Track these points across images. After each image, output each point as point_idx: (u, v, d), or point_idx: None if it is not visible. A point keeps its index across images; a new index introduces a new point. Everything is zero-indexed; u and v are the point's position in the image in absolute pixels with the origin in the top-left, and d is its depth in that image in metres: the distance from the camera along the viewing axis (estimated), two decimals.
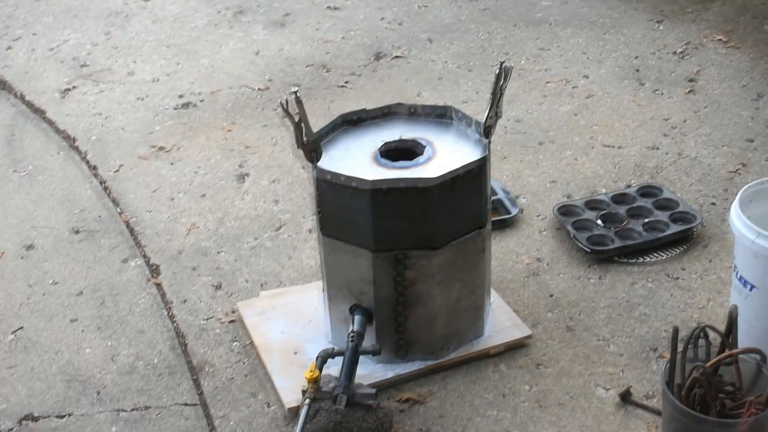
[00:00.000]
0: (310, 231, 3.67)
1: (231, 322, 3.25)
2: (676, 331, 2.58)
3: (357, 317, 2.87)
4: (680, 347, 2.57)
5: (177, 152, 4.28)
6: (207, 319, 3.28)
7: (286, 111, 2.68)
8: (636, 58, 4.97)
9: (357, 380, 2.73)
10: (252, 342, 3.12)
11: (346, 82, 4.86)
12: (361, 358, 2.80)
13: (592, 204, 3.70)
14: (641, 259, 3.45)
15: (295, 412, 2.80)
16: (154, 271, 3.53)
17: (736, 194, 2.97)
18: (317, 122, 2.89)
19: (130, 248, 3.66)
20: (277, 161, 4.16)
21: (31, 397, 2.98)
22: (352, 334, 2.80)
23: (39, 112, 4.70)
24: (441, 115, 3.02)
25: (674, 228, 3.53)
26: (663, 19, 5.37)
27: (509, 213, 3.67)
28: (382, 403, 2.80)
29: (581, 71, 4.85)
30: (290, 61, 5.11)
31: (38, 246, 3.70)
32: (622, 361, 2.99)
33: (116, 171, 4.16)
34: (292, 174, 4.06)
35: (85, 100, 4.78)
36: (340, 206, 2.78)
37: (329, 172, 2.73)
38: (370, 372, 2.93)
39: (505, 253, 3.52)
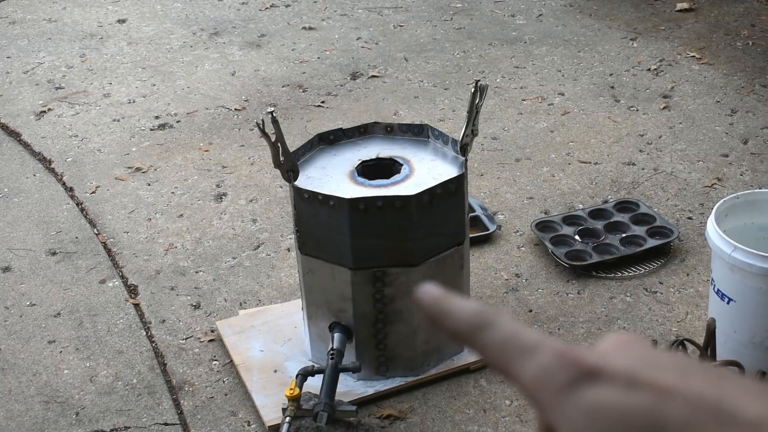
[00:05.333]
0: (288, 250, 3.67)
1: (210, 341, 3.24)
2: (654, 344, 2.59)
3: (336, 335, 2.87)
4: None
5: (154, 173, 4.27)
6: (186, 338, 3.27)
7: (262, 131, 2.68)
8: (611, 75, 5.00)
9: (337, 397, 2.73)
10: (232, 361, 3.11)
11: (323, 102, 4.87)
12: (342, 376, 2.80)
13: (569, 219, 3.72)
14: (619, 274, 3.47)
15: (275, 430, 2.79)
16: (132, 291, 3.52)
17: (712, 208, 2.99)
18: (294, 141, 2.90)
19: (107, 269, 3.65)
20: (254, 181, 4.16)
21: (9, 419, 2.96)
22: (331, 352, 2.80)
23: (14, 135, 4.68)
24: (418, 134, 3.03)
25: (652, 242, 3.54)
26: (637, 37, 5.41)
27: (487, 229, 3.68)
28: (363, 420, 2.80)
29: (557, 88, 4.88)
30: (266, 81, 5.11)
31: (15, 268, 3.68)
32: None
33: (93, 192, 4.14)
34: (270, 193, 4.06)
35: (61, 122, 4.77)
36: (318, 225, 2.78)
37: (307, 191, 2.74)
38: (350, 389, 2.92)
39: (483, 269, 3.52)
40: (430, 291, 0.55)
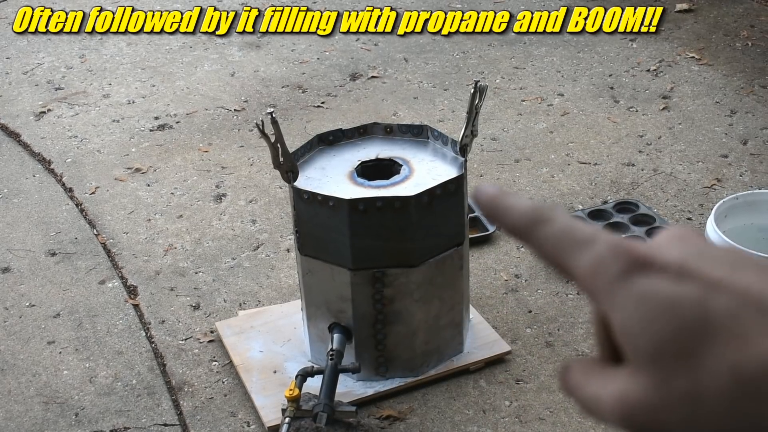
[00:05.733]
0: (288, 250, 3.67)
1: (210, 341, 3.24)
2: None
3: (336, 335, 2.87)
4: None
5: (153, 173, 4.27)
6: (185, 339, 3.27)
7: (262, 132, 2.68)
8: (610, 75, 5.00)
9: (337, 398, 2.73)
10: (231, 361, 3.11)
11: (323, 103, 4.87)
12: (341, 376, 2.80)
13: None
14: None
15: (275, 430, 2.79)
16: (132, 292, 3.52)
17: (712, 209, 2.99)
18: (294, 142, 2.90)
19: (107, 270, 3.65)
20: (253, 181, 4.16)
21: (8, 420, 2.96)
22: (331, 353, 2.80)
23: (13, 135, 4.68)
24: (417, 134, 3.03)
25: None
26: (636, 37, 5.41)
27: (487, 230, 3.68)
28: (363, 421, 2.80)
29: (556, 89, 4.88)
30: (266, 81, 5.12)
31: (14, 268, 3.68)
32: None
33: (92, 193, 4.15)
34: (269, 194, 4.06)
35: (60, 123, 4.77)
36: (317, 225, 2.78)
37: (306, 191, 2.74)
38: (350, 389, 2.92)
39: (483, 269, 3.53)
40: (487, 189, 0.57)
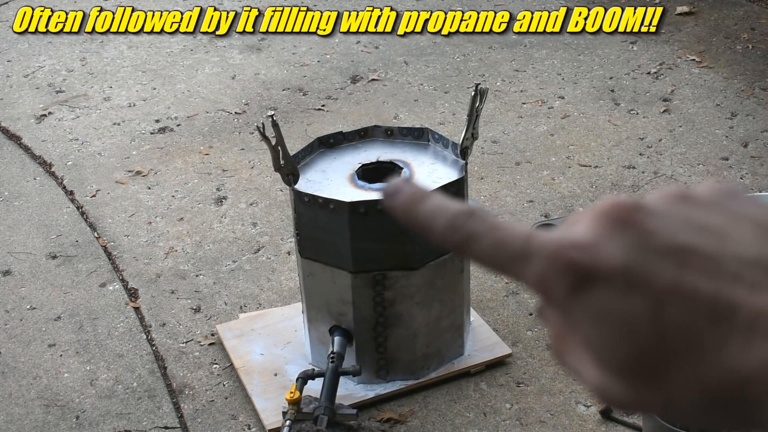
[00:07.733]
0: (288, 253, 3.67)
1: (210, 344, 3.24)
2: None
3: (337, 338, 2.87)
4: None
5: (154, 176, 4.27)
6: (186, 342, 3.27)
7: (262, 134, 2.68)
8: (611, 78, 5.00)
9: (338, 401, 2.73)
10: (232, 364, 3.11)
11: (323, 105, 4.87)
12: (342, 379, 2.80)
13: None
14: None
15: None
16: (132, 294, 3.52)
17: None
18: (294, 145, 2.90)
19: (107, 272, 3.65)
20: (254, 184, 4.16)
21: (9, 423, 2.96)
22: (332, 355, 2.80)
23: (14, 138, 4.68)
24: (418, 137, 3.03)
25: None
26: (636, 40, 5.42)
27: None
28: (363, 423, 2.80)
29: (557, 92, 4.88)
30: (267, 84, 5.12)
31: (15, 271, 3.68)
32: None
33: (93, 196, 4.14)
34: (270, 196, 4.06)
35: (61, 126, 4.77)
36: (318, 228, 2.78)
37: (307, 194, 2.74)
38: (350, 392, 2.93)
39: (484, 272, 3.52)
40: (399, 193, 0.53)
